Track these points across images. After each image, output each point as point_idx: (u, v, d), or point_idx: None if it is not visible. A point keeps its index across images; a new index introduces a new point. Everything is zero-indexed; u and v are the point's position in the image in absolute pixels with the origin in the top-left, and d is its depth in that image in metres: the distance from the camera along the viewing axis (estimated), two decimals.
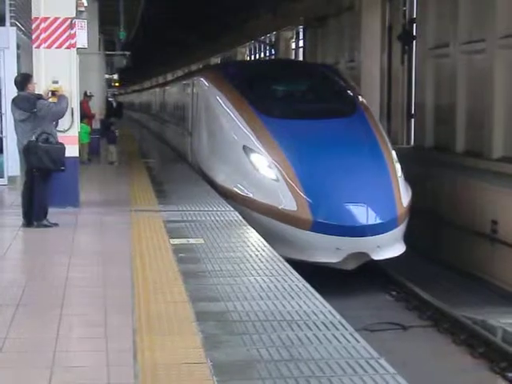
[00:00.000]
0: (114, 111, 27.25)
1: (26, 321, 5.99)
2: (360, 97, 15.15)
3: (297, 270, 7.48)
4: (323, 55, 23.83)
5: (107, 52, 36.05)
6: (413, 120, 17.98)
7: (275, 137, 13.21)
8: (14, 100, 10.35)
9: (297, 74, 16.05)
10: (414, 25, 17.96)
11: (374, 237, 11.91)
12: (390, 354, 6.04)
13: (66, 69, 11.51)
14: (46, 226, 10.10)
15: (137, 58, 51.97)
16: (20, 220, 10.26)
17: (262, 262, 7.86)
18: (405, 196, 12.75)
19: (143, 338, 5.40)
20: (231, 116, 14.25)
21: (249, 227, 9.92)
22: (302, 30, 27.36)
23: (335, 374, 4.72)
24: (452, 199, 14.82)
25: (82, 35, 11.79)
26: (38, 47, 11.55)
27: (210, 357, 4.99)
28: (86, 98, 19.79)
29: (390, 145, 13.71)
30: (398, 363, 5.55)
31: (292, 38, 29.60)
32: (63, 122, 11.34)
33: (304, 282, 7.00)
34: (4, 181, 14.47)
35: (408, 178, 13.36)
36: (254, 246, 8.70)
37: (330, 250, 11.90)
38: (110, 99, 36.17)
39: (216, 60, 42.56)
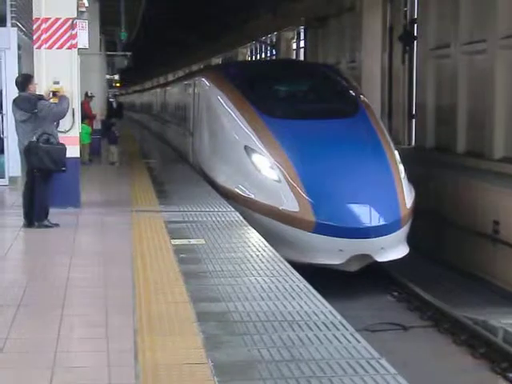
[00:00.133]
0: (114, 112, 27.24)
1: (27, 321, 5.99)
2: (362, 96, 15.07)
3: (298, 271, 7.48)
4: (324, 55, 23.84)
5: (108, 52, 36.10)
6: (414, 120, 17.98)
7: (277, 137, 13.13)
8: (14, 100, 10.36)
9: (298, 74, 15.96)
10: (415, 25, 17.95)
11: (377, 238, 11.79)
12: (391, 354, 6.05)
13: (67, 69, 11.52)
14: (46, 226, 10.10)
15: (138, 58, 52.08)
16: (21, 220, 10.26)
17: (262, 262, 7.86)
18: (408, 197, 12.64)
19: (144, 338, 5.40)
20: (233, 116, 14.19)
21: (249, 228, 9.91)
22: (302, 30, 27.37)
23: (336, 374, 4.72)
24: (453, 200, 14.81)
25: (83, 36, 11.79)
26: (39, 48, 11.55)
27: (211, 357, 4.99)
28: (87, 98, 19.79)
29: (392, 145, 13.62)
30: (399, 363, 5.56)
31: (293, 38, 29.60)
32: (64, 123, 11.35)
33: (305, 282, 7.00)
34: (5, 181, 14.49)
35: (409, 178, 13.32)
36: (254, 246, 8.70)
37: (333, 252, 11.78)
38: (110, 100, 36.18)
39: (217, 60, 42.57)
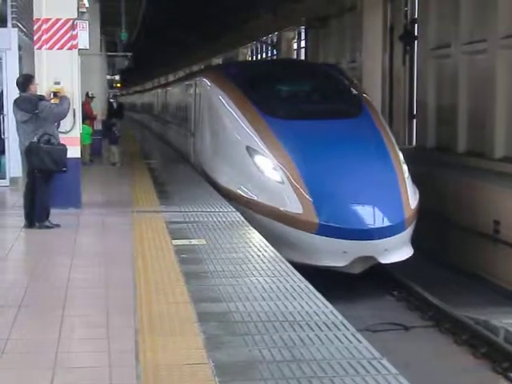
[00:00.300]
0: (114, 112, 27.24)
1: (27, 322, 5.99)
2: (366, 96, 14.96)
3: (299, 271, 7.47)
4: (325, 55, 23.85)
5: (109, 53, 36.11)
6: (414, 120, 17.98)
7: (279, 138, 13.00)
8: (15, 101, 10.36)
9: (301, 74, 15.77)
10: (416, 25, 17.97)
11: (381, 240, 11.67)
12: (392, 354, 6.05)
13: (68, 70, 11.52)
14: (47, 227, 10.10)
15: (138, 58, 52.13)
16: (22, 221, 10.27)
17: (264, 262, 7.86)
18: (412, 198, 12.52)
19: (145, 338, 5.40)
20: (234, 116, 14.09)
21: (251, 228, 9.90)
22: (303, 30, 27.38)
23: (337, 374, 4.72)
24: (454, 200, 14.80)
25: (84, 36, 11.81)
26: (39, 48, 11.56)
27: (212, 357, 4.99)
28: (87, 99, 19.79)
29: (396, 146, 13.51)
30: (400, 363, 5.56)
31: (294, 38, 29.61)
32: (65, 123, 11.34)
33: (306, 282, 7.00)
34: (6, 182, 14.49)
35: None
36: (256, 246, 8.70)
37: (337, 254, 11.66)
38: (111, 100, 36.18)
39: (218, 60, 42.57)
